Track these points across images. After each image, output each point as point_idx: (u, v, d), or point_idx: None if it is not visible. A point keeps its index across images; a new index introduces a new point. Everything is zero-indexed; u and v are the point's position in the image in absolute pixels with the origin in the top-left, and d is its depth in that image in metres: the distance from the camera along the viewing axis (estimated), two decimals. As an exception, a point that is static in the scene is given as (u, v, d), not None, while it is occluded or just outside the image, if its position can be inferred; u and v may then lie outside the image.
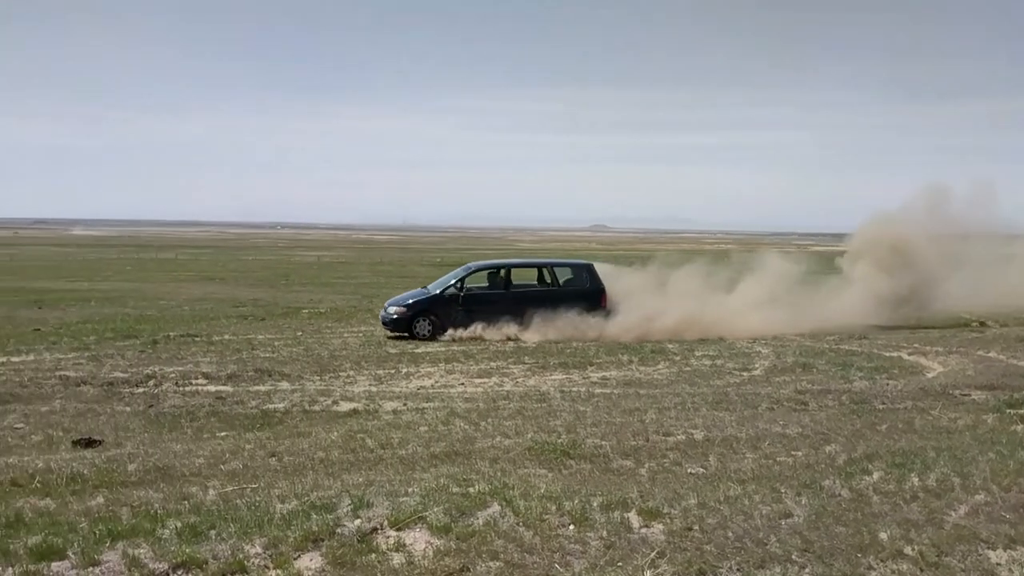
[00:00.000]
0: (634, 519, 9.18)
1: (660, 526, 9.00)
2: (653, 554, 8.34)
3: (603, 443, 13.18)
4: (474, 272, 29.75)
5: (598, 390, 18.25)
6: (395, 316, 27.77)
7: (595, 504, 9.65)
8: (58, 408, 16.10)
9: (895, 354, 23.82)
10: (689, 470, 11.82)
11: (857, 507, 9.61)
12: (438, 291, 28.66)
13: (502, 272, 29.67)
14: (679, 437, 13.67)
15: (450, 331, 27.24)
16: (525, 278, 30.31)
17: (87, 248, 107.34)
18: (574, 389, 18.32)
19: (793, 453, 12.68)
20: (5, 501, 10.17)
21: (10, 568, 7.77)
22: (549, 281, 29.50)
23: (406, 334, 27.23)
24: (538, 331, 27.14)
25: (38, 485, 10.96)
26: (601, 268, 30.72)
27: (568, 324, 27.40)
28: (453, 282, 28.87)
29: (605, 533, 8.79)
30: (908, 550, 8.45)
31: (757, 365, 21.94)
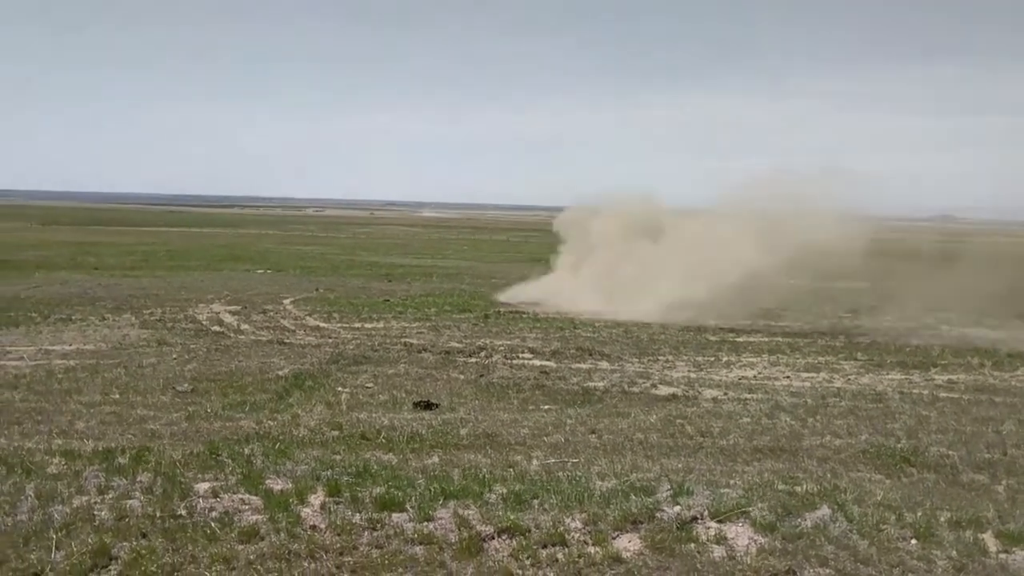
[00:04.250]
0: (990, 541, 8.12)
1: (1023, 554, 7.87)
2: (1015, 584, 7.31)
3: (950, 452, 11.86)
4: None
5: (943, 394, 16.50)
6: None
7: (942, 519, 8.68)
8: (402, 372, 17.53)
9: None
10: (1059, 493, 10.26)
11: None
12: None
13: None
14: (1045, 454, 11.95)
15: None
16: None
17: (431, 229, 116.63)
18: (914, 391, 16.71)
19: None
20: (355, 452, 11.20)
21: (358, 514, 8.50)
22: None
23: None
24: None
25: (383, 440, 11.95)
26: None
27: None
28: None
29: (955, 553, 7.85)
30: None
31: None
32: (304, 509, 8.67)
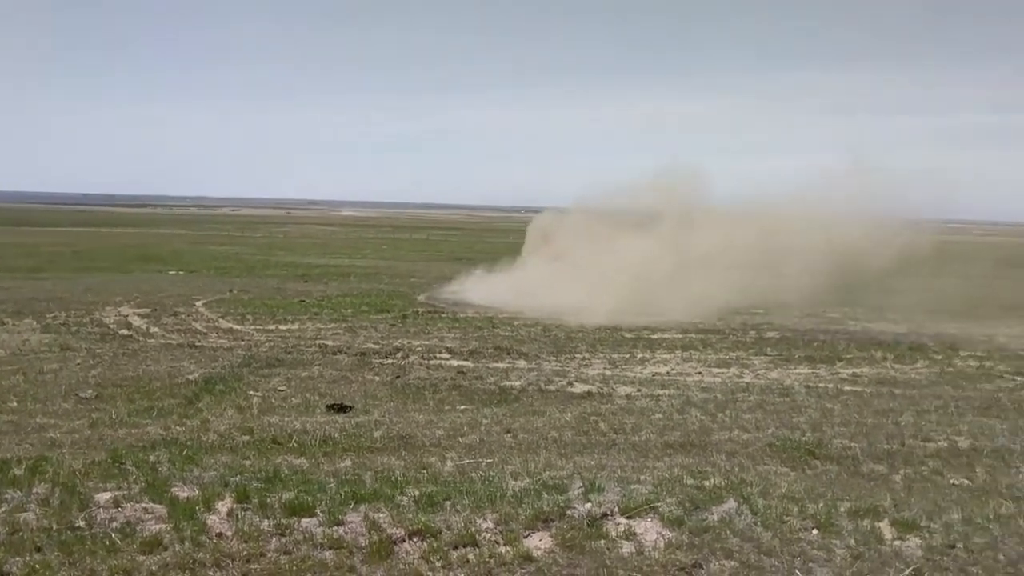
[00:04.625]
0: (886, 530, 8.42)
1: (917, 540, 8.20)
2: (908, 571, 7.59)
3: (852, 444, 12.26)
4: None
5: (847, 387, 17.05)
6: None
7: (842, 509, 8.97)
8: (316, 374, 17.30)
9: None
10: (951, 481, 10.70)
11: None
12: None
13: None
14: (940, 444, 12.46)
15: None
16: None
17: (349, 228, 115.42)
18: (820, 385, 17.24)
19: (1080, 471, 11.17)
20: (266, 457, 11.01)
21: (266, 520, 8.36)
22: None
23: None
24: None
25: (295, 445, 11.77)
26: None
27: None
28: None
29: (853, 542, 8.12)
30: None
31: (1036, 369, 19.63)
32: (211, 516, 8.49)
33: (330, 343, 21.09)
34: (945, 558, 7.81)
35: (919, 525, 8.47)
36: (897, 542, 8.16)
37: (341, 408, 14.05)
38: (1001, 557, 7.81)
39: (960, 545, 8.07)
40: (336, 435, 12.31)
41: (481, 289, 33.30)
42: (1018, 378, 18.61)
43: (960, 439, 12.70)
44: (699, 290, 28.27)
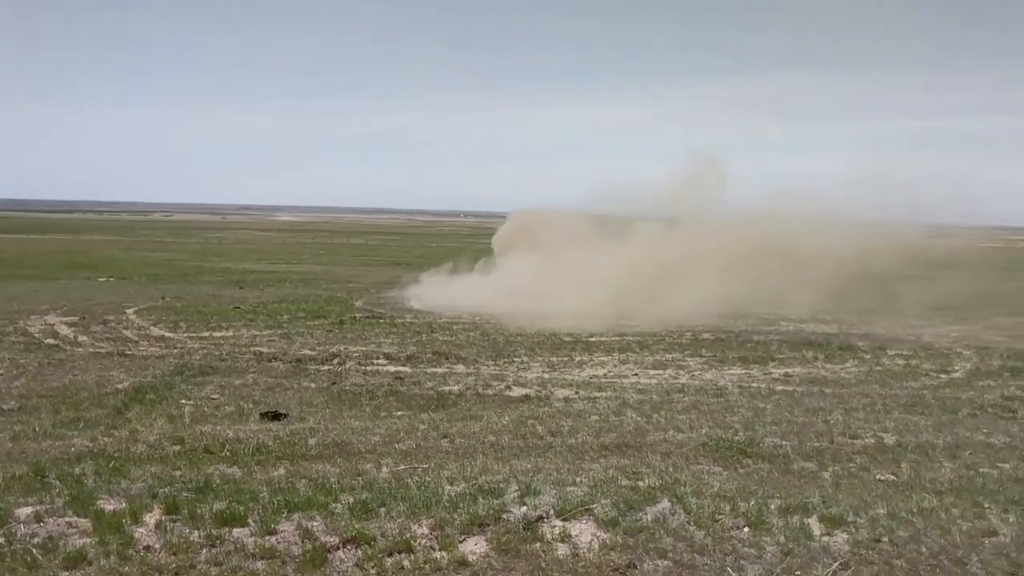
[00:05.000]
0: (815, 526, 8.59)
1: (844, 535, 8.37)
2: (836, 565, 7.75)
3: (783, 443, 12.51)
4: None
5: (779, 387, 17.40)
6: None
7: (773, 507, 9.11)
8: (250, 381, 17.04)
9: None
10: (878, 476, 10.99)
11: (1076, 530, 8.59)
12: None
13: None
14: (867, 440, 12.79)
15: None
16: None
17: (287, 233, 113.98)
18: (753, 385, 17.56)
19: (999, 465, 11.57)
20: (197, 467, 10.80)
21: (196, 531, 8.18)
22: None
23: None
24: None
25: (227, 454, 11.57)
26: None
27: None
28: None
29: (783, 538, 8.26)
30: None
31: (957, 366, 20.29)
32: (138, 529, 8.27)
33: (265, 350, 20.80)
34: (871, 552, 7.99)
35: (846, 520, 8.65)
36: (825, 538, 8.32)
37: (275, 416, 13.86)
38: (924, 549, 8.02)
39: (885, 539, 8.26)
40: (270, 443, 12.13)
41: (446, 292, 33.48)
42: (942, 375, 19.21)
43: (886, 436, 13.04)
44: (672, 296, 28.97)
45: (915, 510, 9.09)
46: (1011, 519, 8.79)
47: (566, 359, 20.61)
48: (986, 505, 9.30)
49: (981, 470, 11.33)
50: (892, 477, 10.94)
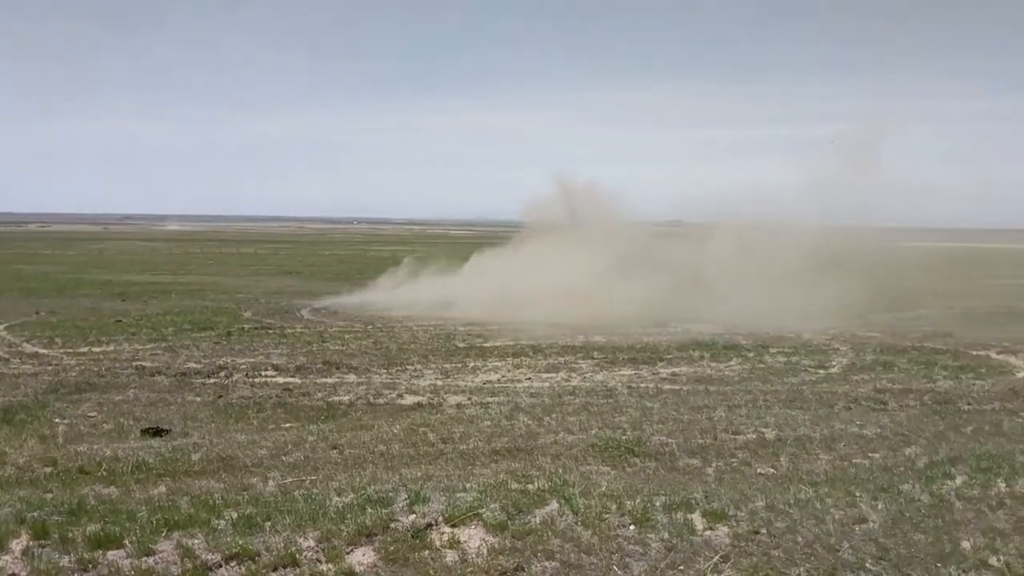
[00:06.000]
0: (698, 521, 8.82)
1: (725, 529, 8.62)
2: (716, 558, 7.97)
3: (669, 441, 12.81)
4: None
5: (667, 386, 17.83)
6: None
7: (658, 504, 9.31)
8: (131, 397, 16.42)
9: (983, 353, 22.78)
10: (759, 470, 11.38)
11: (938, 513, 9.07)
12: None
13: None
14: (749, 436, 13.22)
15: None
16: None
17: (173, 243, 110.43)
18: (642, 385, 17.93)
19: (870, 455, 12.13)
20: (71, 488, 10.33)
21: (67, 556, 7.82)
22: None
23: None
24: None
25: (104, 473, 11.12)
26: None
27: None
28: None
29: (667, 535, 8.45)
30: (993, 560, 7.90)
31: (835, 362, 21.20)
32: (3, 557, 7.86)
33: (148, 364, 20.08)
34: (750, 544, 8.25)
35: (727, 514, 8.91)
36: (707, 532, 8.55)
37: (157, 432, 13.40)
38: (799, 539, 8.33)
39: (764, 531, 8.54)
40: (151, 460, 11.71)
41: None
42: (820, 371, 20.04)
43: (767, 431, 13.50)
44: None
45: (792, 501, 9.43)
46: (880, 506, 9.22)
47: (460, 365, 20.62)
48: (857, 494, 9.72)
49: (854, 460, 11.84)
50: (772, 470, 11.33)
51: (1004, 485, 9.98)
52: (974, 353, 22.73)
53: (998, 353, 22.73)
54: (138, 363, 20.23)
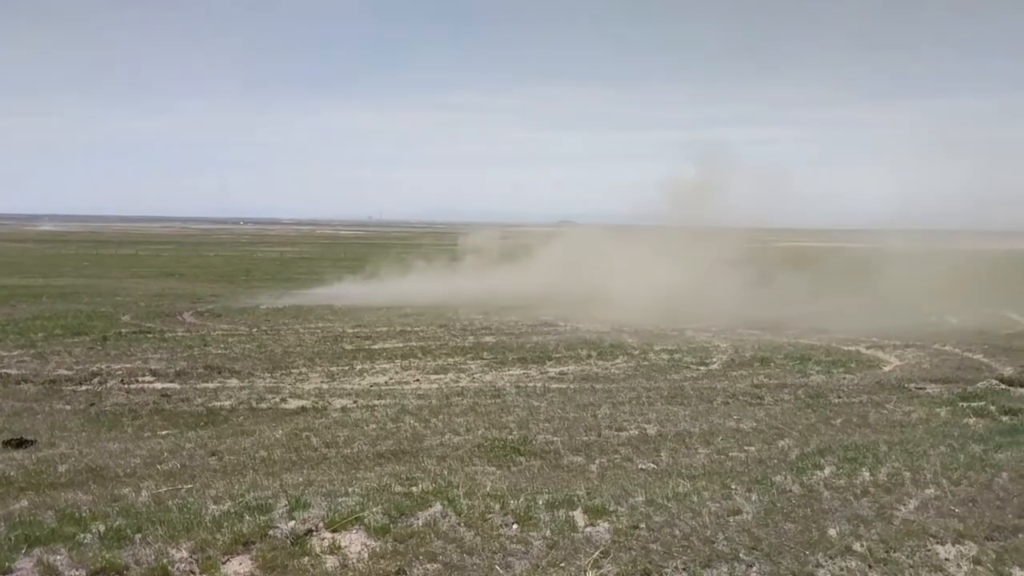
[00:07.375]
0: (579, 517, 8.92)
1: (606, 524, 8.75)
2: (596, 554, 8.08)
3: (554, 439, 12.92)
4: None
5: (554, 385, 18.01)
6: None
7: (540, 502, 9.37)
8: (-6, 407, 15.54)
9: (853, 348, 23.87)
10: (640, 466, 11.60)
11: (807, 503, 9.44)
12: None
13: None
14: (632, 432, 13.45)
15: None
16: None
17: (46, 244, 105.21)
18: (530, 384, 18.06)
19: (746, 448, 12.53)
20: (-79, 506, 9.68)
21: (-89, 580, 7.34)
22: None
23: None
24: None
25: (-41, 489, 10.47)
26: None
27: None
28: None
29: (549, 532, 8.52)
30: (857, 546, 8.28)
31: (715, 359, 21.83)
32: None
33: (13, 371, 19.06)
34: (630, 539, 8.39)
35: (608, 510, 9.05)
36: (589, 528, 8.66)
37: (20, 443, 12.73)
38: (677, 532, 8.53)
39: (643, 525, 8.71)
40: (12, 473, 11.09)
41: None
42: (701, 368, 20.61)
43: (649, 427, 13.78)
44: None
45: (671, 495, 9.65)
46: (753, 497, 9.54)
47: (346, 368, 20.34)
48: (733, 486, 10.02)
49: (731, 454, 12.21)
50: (652, 465, 11.58)
51: (868, 474, 10.46)
52: (846, 348, 23.80)
53: (867, 348, 23.86)
54: (2, 370, 19.17)
